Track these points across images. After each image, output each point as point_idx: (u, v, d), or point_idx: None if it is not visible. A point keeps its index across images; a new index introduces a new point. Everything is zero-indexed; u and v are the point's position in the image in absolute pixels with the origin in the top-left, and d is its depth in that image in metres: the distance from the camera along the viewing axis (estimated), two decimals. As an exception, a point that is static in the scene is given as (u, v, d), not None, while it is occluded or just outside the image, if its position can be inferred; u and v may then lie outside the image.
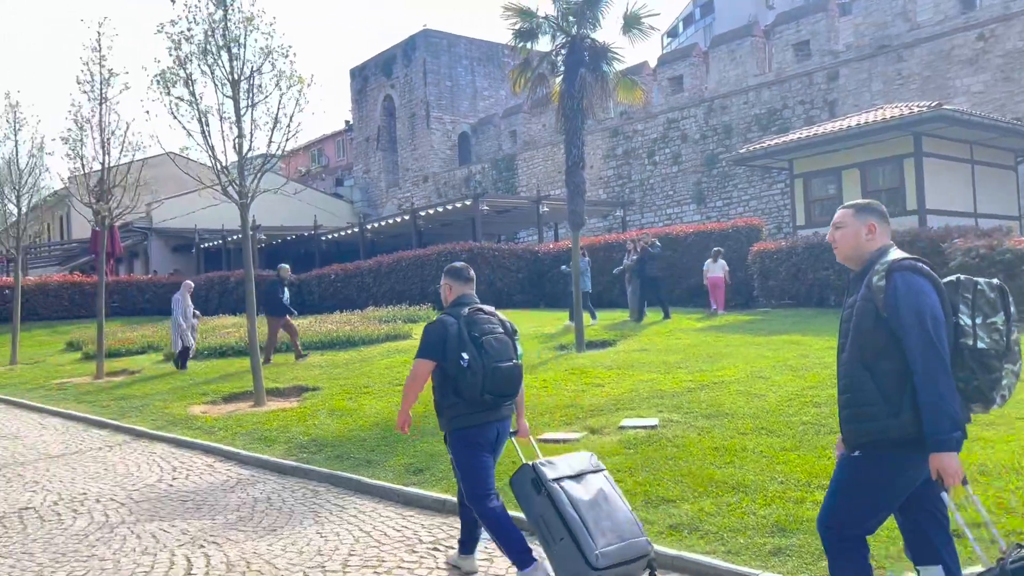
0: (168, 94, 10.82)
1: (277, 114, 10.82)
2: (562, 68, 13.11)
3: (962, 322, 2.90)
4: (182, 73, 10.68)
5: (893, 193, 17.07)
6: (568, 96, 12.75)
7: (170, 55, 10.69)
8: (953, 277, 3.02)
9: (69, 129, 14.87)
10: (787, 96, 26.26)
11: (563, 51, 13.06)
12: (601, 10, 12.83)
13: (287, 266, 15.26)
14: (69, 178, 16.17)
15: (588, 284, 15.62)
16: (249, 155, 11.04)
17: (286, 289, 14.32)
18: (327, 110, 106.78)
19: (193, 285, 15.55)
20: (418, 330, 15.89)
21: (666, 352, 10.80)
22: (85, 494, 6.86)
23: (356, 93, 45.53)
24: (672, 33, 62.94)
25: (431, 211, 27.25)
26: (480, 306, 4.46)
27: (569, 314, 15.25)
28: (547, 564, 4.15)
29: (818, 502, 3.15)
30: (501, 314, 4.53)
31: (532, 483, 4.07)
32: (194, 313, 14.46)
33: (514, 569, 4.29)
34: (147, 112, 16.47)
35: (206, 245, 32.84)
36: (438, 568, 4.70)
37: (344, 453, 7.51)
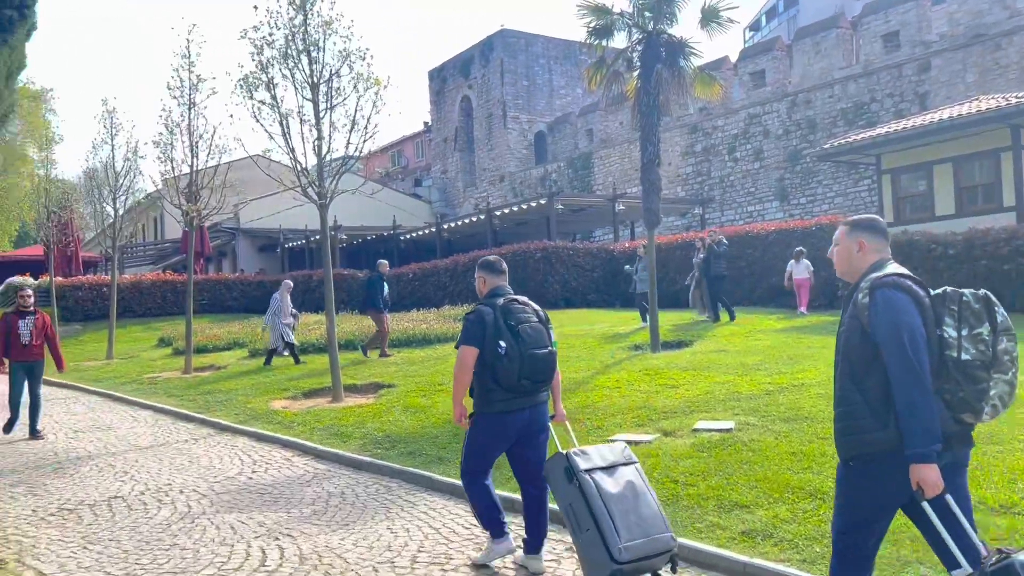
0: (251, 98, 11.14)
1: (355, 116, 11.03)
2: (638, 64, 12.95)
3: (947, 335, 2.91)
4: (264, 77, 11.00)
5: (989, 189, 16.26)
6: (644, 93, 12.58)
7: (253, 60, 11.02)
8: (940, 290, 3.03)
9: (160, 133, 15.51)
10: (875, 89, 25.32)
11: (639, 47, 12.90)
12: (678, 4, 12.63)
13: (386, 262, 15.41)
14: (163, 180, 16.82)
15: (642, 285, 15.12)
16: (328, 157, 11.28)
17: (386, 285, 14.48)
18: (406, 112, 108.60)
19: (292, 284, 15.96)
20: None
21: (744, 353, 10.55)
22: (170, 484, 7.12)
23: (434, 94, 46.11)
24: (754, 27, 61.58)
25: (506, 210, 27.36)
26: (515, 296, 4.66)
27: (640, 315, 15.06)
28: (511, 540, 4.64)
29: (900, 512, 3.12)
30: (535, 304, 4.72)
31: (564, 472, 4.14)
32: (292, 312, 14.88)
33: (579, 572, 4.29)
34: (231, 116, 17.03)
35: (290, 245, 33.75)
36: (505, 567, 4.68)
37: (417, 450, 7.59)
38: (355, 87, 11.12)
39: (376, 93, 11.08)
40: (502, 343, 4.39)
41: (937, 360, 2.90)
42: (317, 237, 29.84)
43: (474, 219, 28.89)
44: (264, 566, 4.88)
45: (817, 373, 8.68)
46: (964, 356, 2.87)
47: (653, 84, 12.49)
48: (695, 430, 7.00)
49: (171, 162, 15.68)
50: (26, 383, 9.73)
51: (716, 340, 12.21)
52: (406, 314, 19.06)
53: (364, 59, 11.11)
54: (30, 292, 10.03)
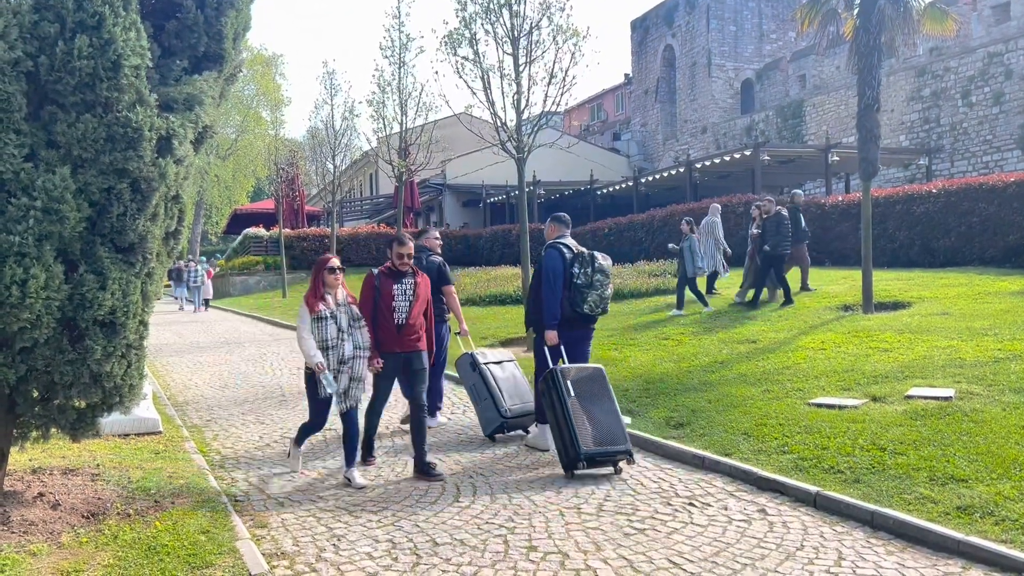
0: (455, 55, 11.47)
1: (552, 68, 11.04)
2: (857, 1, 11.90)
3: (575, 271, 6.10)
4: (467, 33, 11.25)
5: None
6: (863, 31, 11.54)
7: (457, 16, 11.30)
8: (579, 250, 6.23)
9: (373, 92, 16.40)
10: None
11: (859, -18, 11.82)
12: (907, -69, 11.42)
13: (800, 192, 14.44)
14: (376, 138, 17.82)
15: (693, 267, 12.46)
16: (527, 112, 11.40)
17: (802, 216, 13.30)
18: (608, 64, 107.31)
19: (720, 208, 15.05)
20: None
21: (971, 317, 9.58)
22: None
23: (636, 45, 45.10)
24: (1001, -48, 54.57)
25: (707, 163, 26.37)
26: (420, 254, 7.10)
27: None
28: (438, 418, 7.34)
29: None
30: (436, 259, 7.26)
31: (470, 364, 6.85)
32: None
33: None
34: (435, 73, 17.66)
35: (492, 200, 34.66)
36: (692, 523, 4.62)
37: (607, 402, 7.61)
38: (554, 39, 11.12)
39: (575, 44, 11.03)
40: None
41: (569, 283, 6.07)
42: (517, 192, 30.38)
43: (673, 172, 28.12)
44: (458, 502, 5.14)
45: (1059, 341, 7.72)
46: (578, 281, 6.06)
47: (874, 22, 11.43)
48: (908, 397, 6.48)
49: (383, 120, 16.58)
50: (397, 383, 6.13)
51: (939, 303, 11.17)
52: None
53: (563, 10, 11.07)
54: (410, 246, 6.06)
